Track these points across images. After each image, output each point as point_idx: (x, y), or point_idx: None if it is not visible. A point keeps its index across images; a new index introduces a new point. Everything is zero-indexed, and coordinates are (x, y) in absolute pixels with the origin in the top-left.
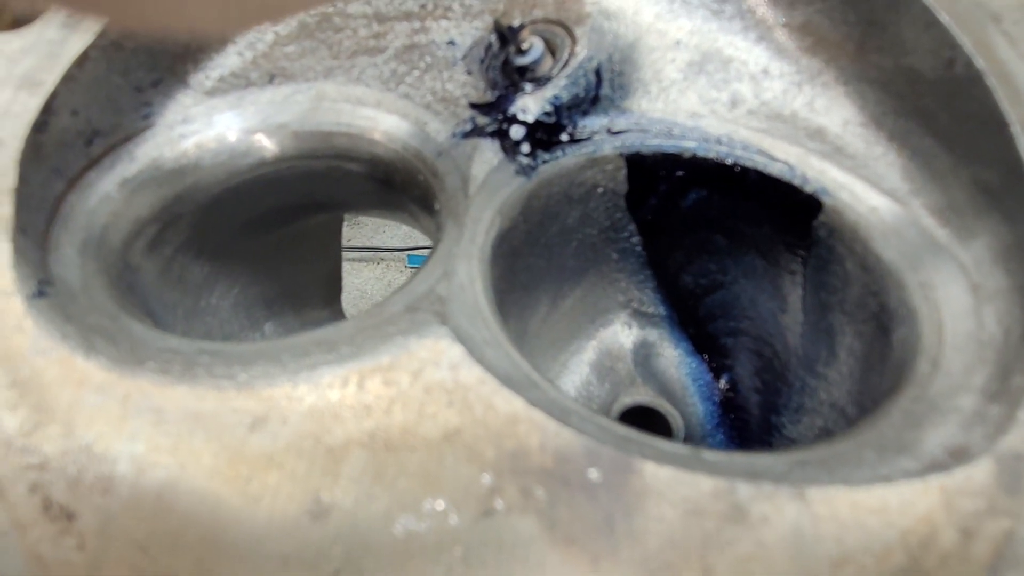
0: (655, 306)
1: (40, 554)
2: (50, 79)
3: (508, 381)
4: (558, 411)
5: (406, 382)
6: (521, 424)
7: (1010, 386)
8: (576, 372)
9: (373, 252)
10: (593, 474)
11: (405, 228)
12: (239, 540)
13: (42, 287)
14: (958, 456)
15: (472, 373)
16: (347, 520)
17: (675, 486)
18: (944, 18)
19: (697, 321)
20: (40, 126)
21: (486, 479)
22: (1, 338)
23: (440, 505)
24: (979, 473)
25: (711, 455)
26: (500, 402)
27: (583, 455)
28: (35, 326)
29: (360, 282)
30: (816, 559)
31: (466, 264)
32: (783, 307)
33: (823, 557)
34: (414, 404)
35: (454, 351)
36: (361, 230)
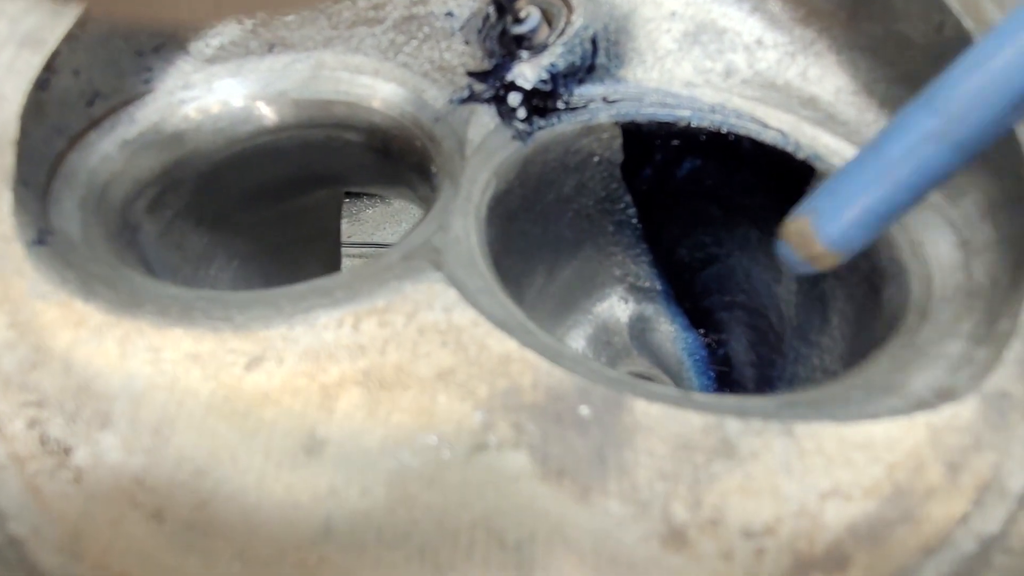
0: (651, 280)
1: (38, 486)
2: (52, 38)
3: (501, 324)
4: (551, 353)
5: (401, 323)
6: (514, 363)
7: (997, 330)
8: (572, 346)
9: (373, 248)
10: (584, 411)
11: (405, 225)
12: (234, 473)
13: (42, 235)
14: (944, 396)
15: (466, 315)
16: (341, 454)
17: (665, 422)
18: None
19: (693, 295)
20: (42, 83)
21: (478, 416)
22: (1, 282)
23: (432, 440)
24: (965, 410)
25: (701, 397)
26: (493, 343)
27: (575, 393)
28: (35, 271)
29: None
30: (803, 492)
31: (462, 219)
32: (777, 278)
33: (810, 490)
34: (408, 344)
35: (448, 294)
36: (362, 227)
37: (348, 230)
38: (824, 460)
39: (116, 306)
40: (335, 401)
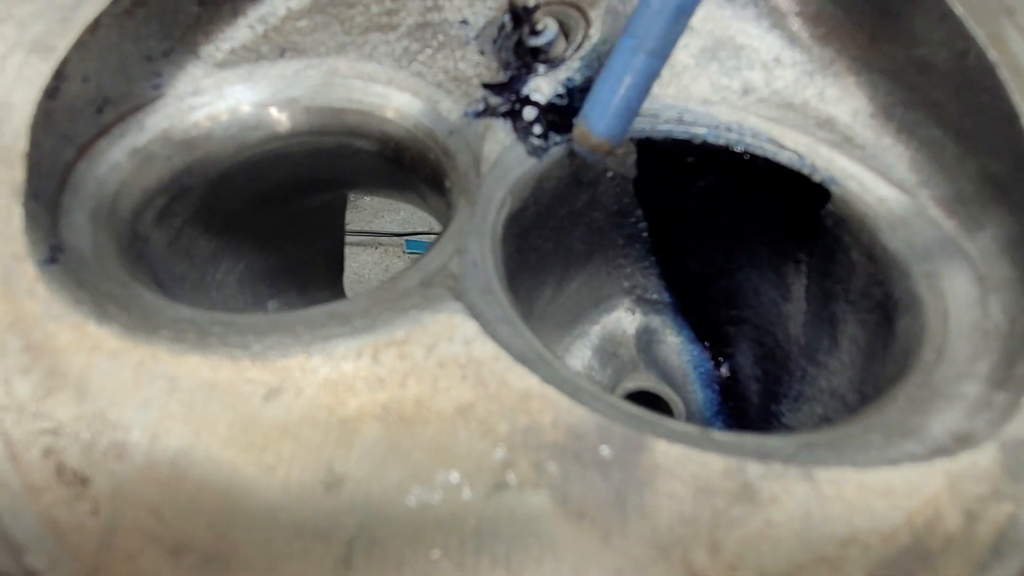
0: (659, 293)
1: (54, 518)
2: (62, 44)
3: (522, 358)
4: (571, 389)
5: (420, 356)
6: (534, 400)
7: (1015, 374)
8: (579, 356)
9: (372, 236)
10: (605, 451)
11: (404, 213)
12: (253, 508)
13: (54, 253)
14: (963, 441)
15: (486, 349)
16: (360, 491)
17: (686, 464)
18: (958, 10)
19: (700, 308)
20: (52, 92)
21: (499, 453)
22: (13, 302)
23: (454, 478)
24: (983, 458)
25: (721, 436)
26: (514, 378)
27: (595, 432)
28: (48, 291)
29: (358, 266)
30: (823, 538)
31: (478, 242)
32: (786, 296)
33: (830, 536)
34: (428, 378)
35: (468, 326)
36: (360, 214)
37: (347, 217)
38: (844, 506)
39: (131, 330)
40: (354, 435)
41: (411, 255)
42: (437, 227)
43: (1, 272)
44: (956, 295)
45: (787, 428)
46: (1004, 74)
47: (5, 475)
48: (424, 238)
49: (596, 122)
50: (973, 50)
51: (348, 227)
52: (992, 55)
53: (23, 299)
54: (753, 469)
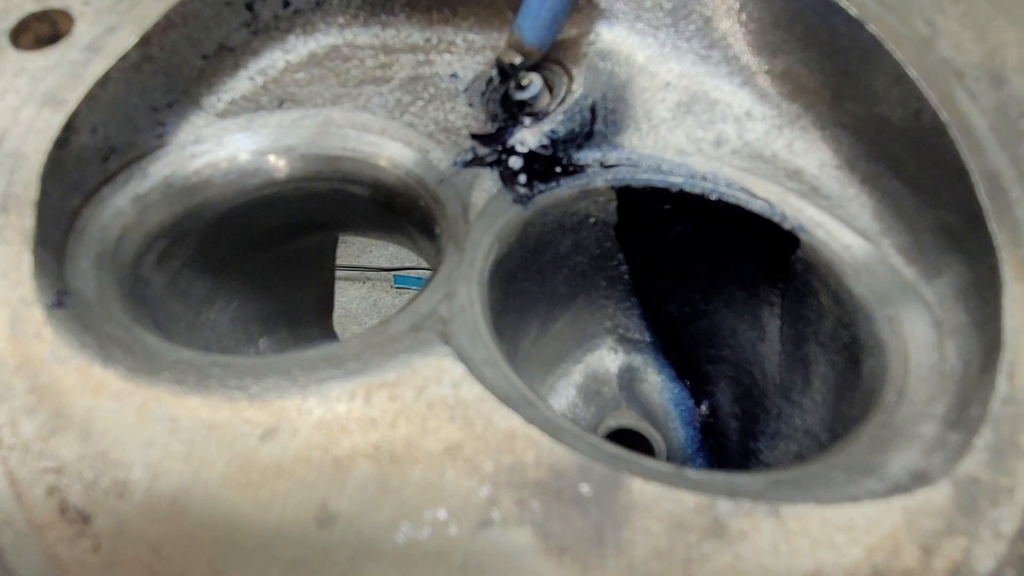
0: (640, 332)
1: (57, 555)
2: (73, 98)
3: (506, 399)
4: (553, 429)
5: (410, 398)
6: (518, 440)
7: (968, 415)
8: (563, 394)
9: (359, 271)
10: (585, 488)
11: (392, 248)
12: (248, 544)
13: (60, 297)
14: (920, 479)
15: (473, 391)
16: (352, 528)
17: (660, 501)
18: (912, 72)
19: (680, 348)
20: (62, 143)
21: (484, 491)
22: (21, 345)
23: (441, 515)
24: (939, 495)
25: (694, 473)
26: (499, 419)
27: (576, 470)
28: (54, 335)
29: (345, 300)
30: (789, 572)
31: (466, 287)
32: (762, 336)
33: (796, 571)
34: (418, 419)
35: (456, 369)
36: (348, 249)
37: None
38: (808, 542)
39: (134, 372)
40: (347, 474)
41: (398, 290)
42: (424, 263)
43: (10, 316)
44: (916, 339)
45: (765, 465)
46: (955, 133)
47: (10, 513)
48: (411, 273)
49: (528, 32)
50: (926, 110)
51: (336, 262)
52: (943, 115)
53: (31, 342)
54: (723, 506)
